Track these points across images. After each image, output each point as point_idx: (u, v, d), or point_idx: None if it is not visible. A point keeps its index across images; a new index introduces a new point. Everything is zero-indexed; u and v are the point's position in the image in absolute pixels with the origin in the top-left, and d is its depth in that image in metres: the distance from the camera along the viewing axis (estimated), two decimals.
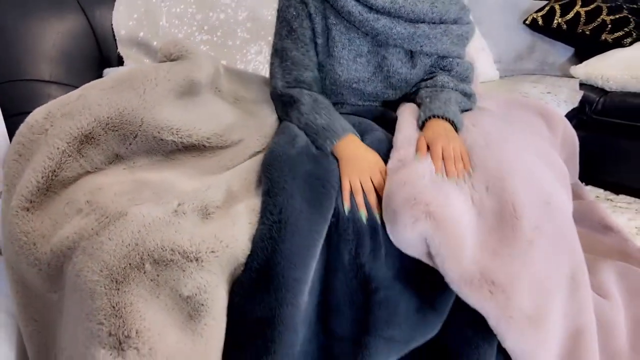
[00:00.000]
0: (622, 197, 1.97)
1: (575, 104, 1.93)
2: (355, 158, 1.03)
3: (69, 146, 0.90)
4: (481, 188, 1.05)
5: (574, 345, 1.02)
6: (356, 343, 0.91)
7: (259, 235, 0.88)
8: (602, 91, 1.98)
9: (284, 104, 1.16)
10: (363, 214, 0.96)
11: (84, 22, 1.37)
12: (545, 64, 2.22)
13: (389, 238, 0.97)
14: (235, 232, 0.86)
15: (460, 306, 1.00)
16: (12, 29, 1.25)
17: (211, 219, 0.87)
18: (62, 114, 0.93)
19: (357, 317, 0.92)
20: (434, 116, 1.12)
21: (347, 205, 0.95)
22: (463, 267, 0.94)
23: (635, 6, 2.04)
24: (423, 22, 1.17)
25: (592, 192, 2.02)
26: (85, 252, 0.78)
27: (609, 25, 2.03)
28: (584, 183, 1.91)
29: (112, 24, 1.40)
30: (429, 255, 0.95)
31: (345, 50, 1.18)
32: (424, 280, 0.98)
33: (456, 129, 1.12)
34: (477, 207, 1.03)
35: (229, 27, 1.60)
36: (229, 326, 0.86)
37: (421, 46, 1.19)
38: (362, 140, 1.08)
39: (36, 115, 0.94)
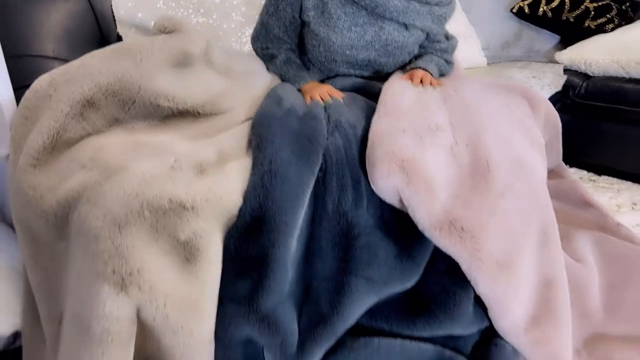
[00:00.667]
0: (604, 178, 2.04)
1: (559, 88, 2.00)
2: (315, 87, 1.29)
3: (72, 109, 0.97)
4: (462, 144, 1.13)
5: (544, 295, 1.10)
6: (338, 282, 0.98)
7: (251, 184, 0.96)
8: (585, 76, 2.05)
9: (264, 58, 1.41)
10: (319, 102, 1.19)
11: (85, 3, 1.44)
12: (531, 51, 2.29)
13: (371, 190, 1.05)
14: (227, 186, 0.93)
15: (439, 257, 1.08)
16: (19, 9, 1.32)
17: (205, 174, 0.95)
18: (65, 80, 1.00)
19: (339, 258, 1.00)
20: (417, 68, 1.37)
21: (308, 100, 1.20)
22: (433, 216, 1.01)
23: None
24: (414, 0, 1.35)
25: (576, 174, 2.09)
26: (90, 201, 0.85)
27: (592, 12, 2.11)
28: (568, 165, 1.97)
29: (111, 5, 1.47)
30: (403, 204, 1.03)
31: (341, 21, 1.33)
32: (403, 230, 1.06)
33: None
34: (457, 160, 1.10)
35: (224, 11, 1.67)
36: (226, 265, 0.94)
37: (413, 20, 1.36)
38: (346, 107, 1.17)
39: (41, 82, 1.01)
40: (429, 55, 1.46)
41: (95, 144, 0.96)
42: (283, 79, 1.35)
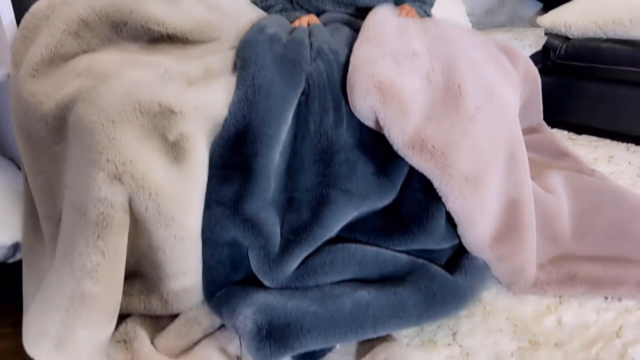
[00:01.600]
0: (584, 136, 2.11)
1: (539, 47, 2.07)
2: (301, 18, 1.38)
3: (68, 27, 1.04)
4: (438, 70, 1.20)
5: (509, 214, 1.17)
6: (319, 194, 1.05)
7: (236, 98, 1.02)
8: (565, 38, 2.11)
9: (264, 8, 1.46)
10: (303, 29, 1.26)
11: None
12: (515, 17, 2.37)
13: (351, 113, 1.12)
14: (213, 97, 1.00)
15: (414, 176, 1.15)
16: None
17: (193, 86, 1.01)
18: (62, 3, 1.07)
19: (320, 173, 1.06)
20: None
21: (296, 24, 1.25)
22: (407, 135, 1.08)
23: None
24: None
25: (556, 134, 2.16)
26: (85, 101, 0.92)
27: None
28: (550, 127, 2.05)
29: None
30: (379, 124, 1.10)
31: None
32: (380, 151, 1.12)
33: None
34: (432, 85, 1.18)
35: None
36: (212, 172, 1.00)
37: None
38: (329, 35, 1.24)
39: (39, 5, 1.08)
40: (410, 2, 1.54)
41: (90, 58, 1.02)
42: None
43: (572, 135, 2.13)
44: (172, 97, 0.96)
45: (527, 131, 1.92)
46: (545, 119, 1.95)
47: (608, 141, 2.04)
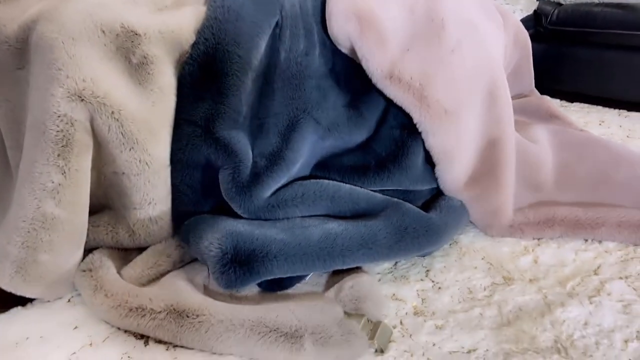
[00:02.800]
0: (575, 104, 2.09)
1: (530, 12, 2.05)
2: None
3: None
4: (421, 1, 1.18)
5: (486, 154, 1.15)
6: (288, 117, 1.03)
7: (205, 18, 1.00)
8: (558, 4, 2.10)
9: None
10: None
11: None
12: None
13: (323, 41, 1.10)
14: (181, 22, 0.98)
15: (391, 113, 1.13)
16: None
17: (161, 12, 1.00)
18: None
19: (289, 95, 1.05)
20: None
21: None
22: (385, 66, 1.06)
23: None
24: None
25: (546, 98, 2.13)
26: (46, 19, 0.90)
27: None
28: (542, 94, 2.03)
29: None
30: (355, 53, 1.08)
31: None
32: (353, 84, 1.10)
33: None
34: (414, 17, 1.15)
35: None
36: (182, 91, 0.99)
37: None
38: None
39: None
40: None
41: None
42: None
43: (564, 103, 2.11)
44: (136, 19, 0.94)
45: (518, 97, 1.90)
46: (536, 86, 1.93)
47: (600, 107, 2.02)
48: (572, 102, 2.10)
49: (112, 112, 0.88)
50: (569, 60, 2.07)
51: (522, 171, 1.26)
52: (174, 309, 0.85)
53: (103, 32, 0.91)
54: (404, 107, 1.08)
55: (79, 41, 0.88)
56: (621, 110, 1.97)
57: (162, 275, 0.98)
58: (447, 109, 1.08)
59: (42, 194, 0.87)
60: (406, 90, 1.06)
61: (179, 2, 1.05)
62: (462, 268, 1.04)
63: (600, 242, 1.12)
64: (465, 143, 1.11)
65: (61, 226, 0.89)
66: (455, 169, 1.11)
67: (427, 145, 1.10)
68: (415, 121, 1.08)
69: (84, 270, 0.95)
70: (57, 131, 0.86)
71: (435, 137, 1.08)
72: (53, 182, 0.87)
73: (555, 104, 2.06)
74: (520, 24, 1.80)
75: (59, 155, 0.86)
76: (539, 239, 1.13)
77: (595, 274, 1.02)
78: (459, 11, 1.20)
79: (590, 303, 0.93)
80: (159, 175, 0.96)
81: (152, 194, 0.96)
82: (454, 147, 1.09)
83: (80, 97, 0.86)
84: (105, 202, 1.02)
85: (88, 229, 0.97)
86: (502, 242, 1.13)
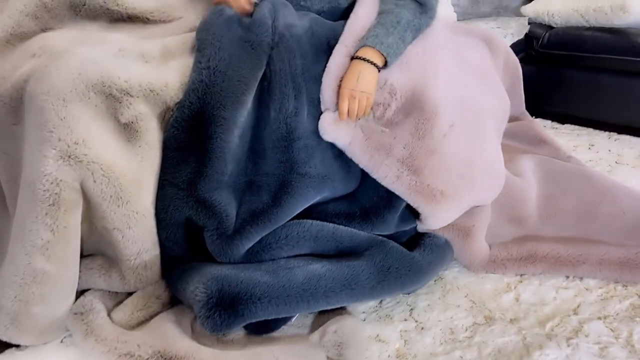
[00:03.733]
0: (567, 126, 2.11)
1: (521, 36, 2.07)
2: None
3: (26, 8, 1.06)
4: (408, 90, 1.17)
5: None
6: (279, 178, 1.06)
7: (191, 80, 1.03)
8: (549, 27, 2.12)
9: None
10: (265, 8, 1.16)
11: None
12: (500, 7, 2.37)
13: (311, 101, 1.12)
14: (167, 78, 1.01)
15: None
16: None
17: (147, 65, 1.02)
18: None
19: (278, 158, 1.07)
20: (366, 45, 1.14)
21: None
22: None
23: None
24: None
25: (536, 122, 2.16)
26: (37, 80, 0.93)
27: None
28: (533, 116, 2.05)
29: None
30: None
31: None
32: None
33: (386, 63, 1.16)
34: (402, 111, 1.17)
35: None
36: (166, 154, 1.01)
37: None
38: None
39: None
40: (396, 12, 1.20)
41: (45, 37, 1.03)
42: None
43: (555, 124, 2.13)
44: (126, 77, 0.97)
45: (509, 120, 1.92)
46: (527, 108, 1.95)
47: (590, 130, 2.04)
48: (563, 123, 2.12)
49: (103, 173, 0.91)
50: (559, 82, 2.09)
51: (506, 205, 1.28)
52: (161, 356, 0.88)
53: (94, 92, 0.94)
54: (392, 190, 1.12)
55: (69, 102, 0.91)
56: (611, 133, 1.99)
57: (152, 316, 1.01)
58: (442, 190, 1.11)
59: (32, 250, 0.90)
60: (395, 180, 1.10)
61: (167, 54, 1.07)
62: (445, 307, 1.07)
63: (581, 278, 1.14)
64: (456, 213, 1.15)
65: (52, 280, 0.92)
66: (439, 220, 1.15)
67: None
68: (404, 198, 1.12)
69: (76, 314, 0.98)
70: (44, 190, 0.89)
71: (429, 219, 1.13)
72: (42, 240, 0.90)
73: (546, 127, 2.09)
74: (510, 50, 1.82)
75: (47, 213, 0.89)
76: (521, 275, 1.16)
77: (575, 313, 1.04)
78: (450, 90, 1.21)
79: (568, 346, 0.95)
80: (148, 227, 0.99)
81: (142, 244, 0.99)
82: (446, 219, 1.13)
83: (72, 159, 0.89)
84: (99, 249, 1.04)
85: (81, 272, 1.00)
86: (486, 278, 1.15)
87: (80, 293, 1.03)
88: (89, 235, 1.02)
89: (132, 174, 0.96)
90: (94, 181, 0.92)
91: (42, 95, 0.91)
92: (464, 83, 1.31)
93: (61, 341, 1.00)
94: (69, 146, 0.90)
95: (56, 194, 0.89)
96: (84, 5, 1.11)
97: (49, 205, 0.89)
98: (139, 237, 0.98)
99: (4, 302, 0.91)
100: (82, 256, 0.99)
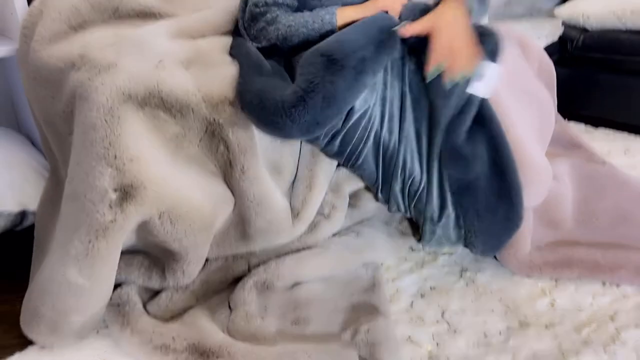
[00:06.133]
0: (600, 129, 2.07)
1: (555, 38, 2.03)
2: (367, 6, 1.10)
3: (60, 15, 1.09)
4: None
5: None
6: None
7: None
8: (583, 30, 2.08)
9: (256, 17, 1.13)
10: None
11: None
12: (533, 9, 2.33)
13: None
14: (212, 89, 1.03)
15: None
16: None
17: (188, 73, 1.04)
18: None
19: None
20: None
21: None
22: None
23: None
24: None
25: (573, 128, 2.12)
26: (82, 97, 0.95)
27: None
28: (566, 119, 2.01)
29: None
30: None
31: None
32: None
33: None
34: None
35: None
36: None
37: None
38: None
39: (34, 3, 1.15)
40: None
41: (82, 41, 1.05)
42: (289, 35, 1.10)
43: (589, 128, 2.08)
44: (168, 91, 0.98)
45: None
46: (561, 111, 1.92)
47: (625, 134, 1.99)
48: (596, 127, 2.08)
49: (162, 213, 0.94)
50: (594, 85, 2.05)
51: (541, 209, 1.27)
52: (195, 349, 0.89)
53: (141, 107, 0.96)
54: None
55: (120, 119, 0.93)
56: None
57: (186, 310, 1.03)
58: None
59: (68, 261, 0.91)
60: None
61: (201, 55, 1.07)
62: (478, 310, 1.06)
63: (618, 285, 1.12)
64: None
65: (87, 293, 0.92)
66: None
67: None
68: None
69: (112, 305, 1.00)
70: (94, 208, 0.90)
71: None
72: (79, 253, 0.90)
73: (579, 131, 2.05)
74: (544, 53, 1.79)
75: (89, 231, 0.90)
76: (556, 280, 1.14)
77: (612, 320, 1.02)
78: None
79: (605, 352, 0.93)
80: (205, 239, 1.01)
81: (193, 255, 1.01)
82: None
83: (127, 187, 0.91)
84: (142, 247, 1.06)
85: (120, 267, 1.01)
86: (520, 283, 1.14)
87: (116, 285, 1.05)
88: (137, 240, 1.03)
89: (186, 195, 0.98)
90: (158, 220, 0.95)
91: (91, 112, 0.93)
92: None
93: (97, 332, 1.01)
94: (124, 164, 0.92)
95: (106, 217, 0.90)
96: (117, 9, 1.14)
97: (96, 223, 0.90)
98: (193, 247, 1.00)
99: (44, 310, 0.92)
100: (122, 251, 0.99)
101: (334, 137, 1.08)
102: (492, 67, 1.05)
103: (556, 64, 1.81)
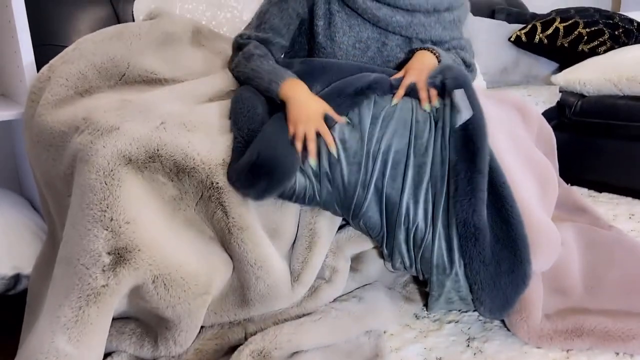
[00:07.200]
0: (604, 194, 2.06)
1: (553, 103, 2.07)
2: (300, 106, 1.11)
3: (68, 81, 1.12)
4: None
5: None
6: None
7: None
8: (580, 96, 2.12)
9: (240, 48, 1.26)
10: (313, 162, 1.08)
11: (110, 10, 1.64)
12: (529, 76, 2.40)
13: None
14: (211, 154, 1.03)
15: None
16: (53, 8, 1.54)
17: (190, 134, 1.04)
18: (62, 63, 1.16)
19: None
20: (422, 49, 1.24)
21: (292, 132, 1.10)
22: None
23: (610, 21, 2.21)
24: (419, 11, 1.28)
25: (573, 190, 2.11)
26: (82, 160, 0.96)
27: (585, 37, 2.21)
28: (569, 184, 2.01)
29: (132, 11, 1.66)
30: None
31: (346, 36, 1.28)
32: None
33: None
34: None
35: (234, 25, 1.84)
36: None
37: (417, 33, 1.30)
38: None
39: (43, 69, 1.18)
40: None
41: (88, 106, 1.07)
42: (249, 79, 1.20)
43: (593, 192, 2.07)
44: (167, 156, 1.00)
45: None
46: (563, 176, 1.91)
47: (630, 199, 1.98)
48: (600, 191, 2.07)
49: (161, 277, 0.92)
50: (594, 151, 2.07)
51: (548, 275, 1.23)
52: None
53: (139, 168, 0.97)
54: None
55: (120, 181, 0.94)
56: None
57: None
58: None
59: (57, 326, 0.88)
60: None
61: (204, 122, 1.09)
62: None
63: (632, 355, 1.06)
64: None
65: None
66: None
67: None
68: None
69: None
70: (86, 272, 0.88)
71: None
72: (68, 319, 0.87)
73: (583, 195, 2.04)
74: (543, 119, 1.81)
75: (80, 296, 0.88)
76: (567, 351, 1.09)
77: None
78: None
79: None
80: (201, 306, 0.99)
81: (186, 323, 0.97)
82: None
83: (121, 251, 0.90)
84: (134, 314, 1.03)
85: (111, 335, 0.98)
86: (530, 354, 1.08)
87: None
88: (129, 307, 1.00)
89: (182, 259, 0.96)
90: (151, 285, 0.93)
91: (91, 174, 0.93)
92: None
93: None
94: (120, 226, 0.91)
95: (99, 281, 0.88)
96: (124, 75, 1.17)
97: (87, 288, 0.88)
98: (185, 313, 0.97)
99: None
100: (113, 318, 0.97)
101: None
102: (460, 92, 1.11)
103: (555, 129, 1.83)
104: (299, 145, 1.08)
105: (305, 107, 1.11)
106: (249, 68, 1.21)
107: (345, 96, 1.13)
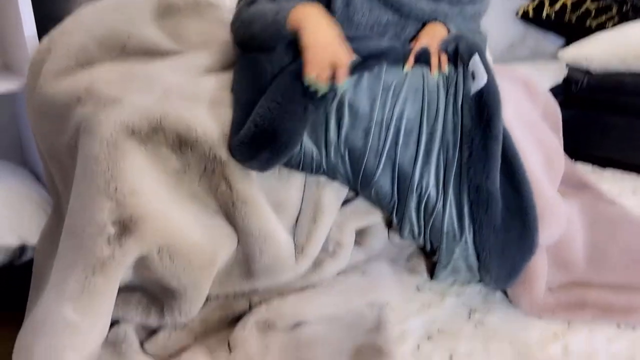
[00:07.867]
0: (608, 170, 2.05)
1: (559, 80, 2.05)
2: (317, 31, 1.03)
3: (68, 51, 1.11)
4: None
5: None
6: None
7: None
8: (587, 72, 2.10)
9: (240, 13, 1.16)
10: (346, 83, 1.03)
11: None
12: (536, 52, 2.37)
13: None
14: (213, 127, 1.03)
15: None
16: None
17: (193, 108, 1.03)
18: (62, 34, 1.15)
19: None
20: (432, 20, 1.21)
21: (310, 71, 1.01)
22: None
23: None
24: (443, 0, 1.25)
25: (581, 169, 2.10)
26: (85, 131, 0.96)
27: (593, 12, 2.17)
28: (573, 159, 2.00)
29: None
30: None
31: (365, 17, 1.22)
32: None
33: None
34: None
35: None
36: None
37: (437, 22, 1.25)
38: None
39: (42, 41, 1.17)
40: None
41: (90, 77, 1.06)
42: (251, 22, 1.10)
43: (596, 169, 2.07)
44: (171, 126, 0.99)
45: None
46: (568, 152, 1.90)
47: (634, 175, 1.97)
48: (604, 167, 2.07)
49: (166, 247, 0.93)
50: (600, 126, 2.05)
51: (552, 249, 1.23)
52: None
53: (142, 141, 0.96)
54: None
55: (123, 152, 0.93)
56: None
57: (184, 349, 0.99)
58: None
59: (63, 297, 0.89)
60: None
61: (210, 95, 1.08)
62: (487, 354, 1.01)
63: (633, 327, 1.07)
64: None
65: (82, 332, 0.89)
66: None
67: None
68: None
69: (109, 343, 0.97)
70: (92, 242, 0.89)
71: None
72: (72, 287, 0.88)
73: (587, 171, 2.04)
74: (550, 95, 1.79)
75: (85, 267, 0.89)
76: (569, 322, 1.09)
77: None
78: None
79: None
80: (207, 277, 0.99)
81: (192, 293, 0.98)
82: None
83: (126, 221, 0.90)
84: (140, 283, 1.03)
85: (118, 304, 0.98)
86: (532, 325, 1.09)
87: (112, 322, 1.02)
88: (131, 275, 1.01)
89: (186, 231, 0.97)
90: (157, 255, 0.93)
91: (94, 145, 0.93)
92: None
93: None
94: (125, 197, 0.91)
95: (104, 252, 0.89)
96: (124, 47, 1.16)
97: (93, 258, 0.88)
98: (190, 284, 0.98)
99: (38, 349, 0.88)
100: (119, 289, 0.97)
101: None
102: (476, 58, 1.10)
103: (561, 105, 1.81)
104: (324, 74, 1.00)
105: (324, 31, 1.04)
106: (250, 12, 1.12)
107: (357, 58, 1.09)
